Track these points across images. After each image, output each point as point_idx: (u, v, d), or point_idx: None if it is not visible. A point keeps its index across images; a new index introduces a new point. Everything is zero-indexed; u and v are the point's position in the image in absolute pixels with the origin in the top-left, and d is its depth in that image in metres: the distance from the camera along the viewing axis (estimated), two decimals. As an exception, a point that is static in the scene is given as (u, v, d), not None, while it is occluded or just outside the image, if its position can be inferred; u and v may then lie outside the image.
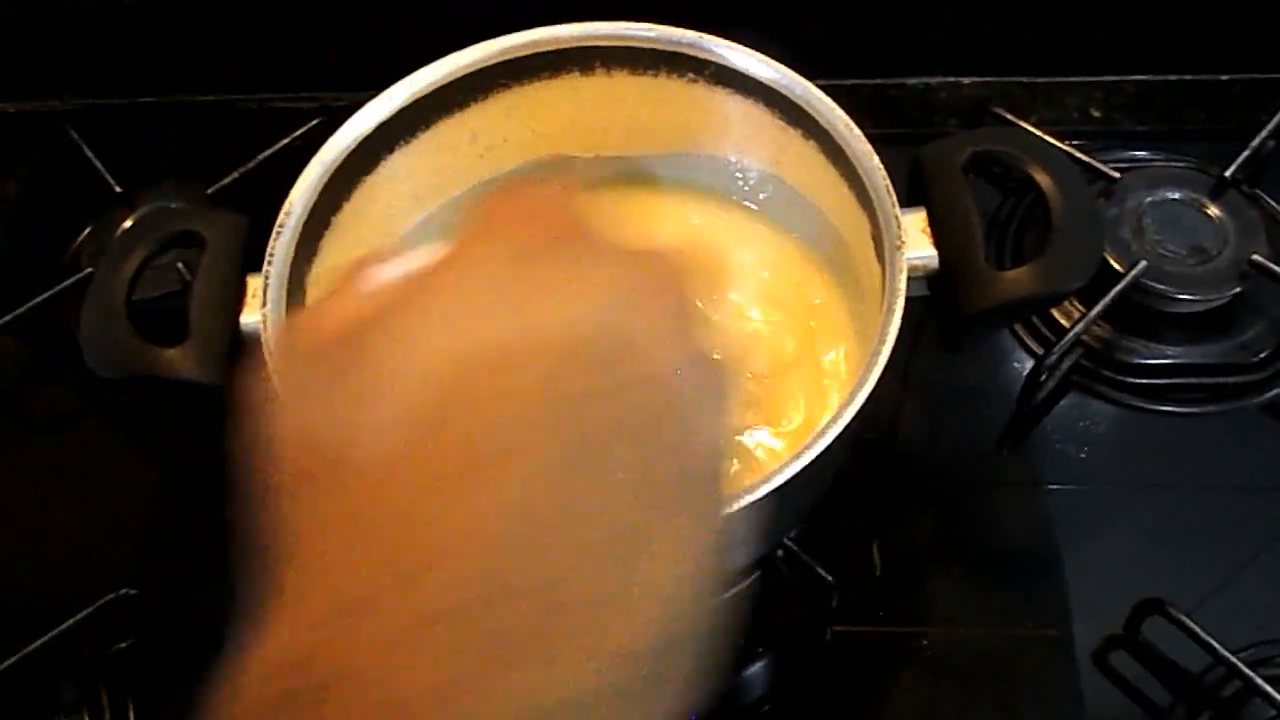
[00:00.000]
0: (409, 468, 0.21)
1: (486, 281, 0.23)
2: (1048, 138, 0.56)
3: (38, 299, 0.62)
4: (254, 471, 0.23)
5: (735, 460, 0.30)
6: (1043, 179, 0.44)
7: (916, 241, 0.45)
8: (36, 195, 0.72)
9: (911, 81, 0.70)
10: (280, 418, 0.23)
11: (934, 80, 0.70)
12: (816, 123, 0.48)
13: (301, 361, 0.24)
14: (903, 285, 0.42)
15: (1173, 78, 0.68)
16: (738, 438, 0.45)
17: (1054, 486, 0.56)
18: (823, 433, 0.39)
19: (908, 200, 0.46)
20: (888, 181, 0.45)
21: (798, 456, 0.38)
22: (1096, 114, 0.68)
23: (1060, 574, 0.53)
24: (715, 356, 0.25)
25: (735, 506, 0.37)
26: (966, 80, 0.69)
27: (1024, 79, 0.69)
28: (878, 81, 0.70)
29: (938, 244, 0.45)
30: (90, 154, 0.67)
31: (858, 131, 0.47)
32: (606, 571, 0.20)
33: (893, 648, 0.52)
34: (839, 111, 0.47)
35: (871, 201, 0.45)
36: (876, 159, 0.46)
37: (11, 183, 0.72)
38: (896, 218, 0.44)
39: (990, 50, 0.69)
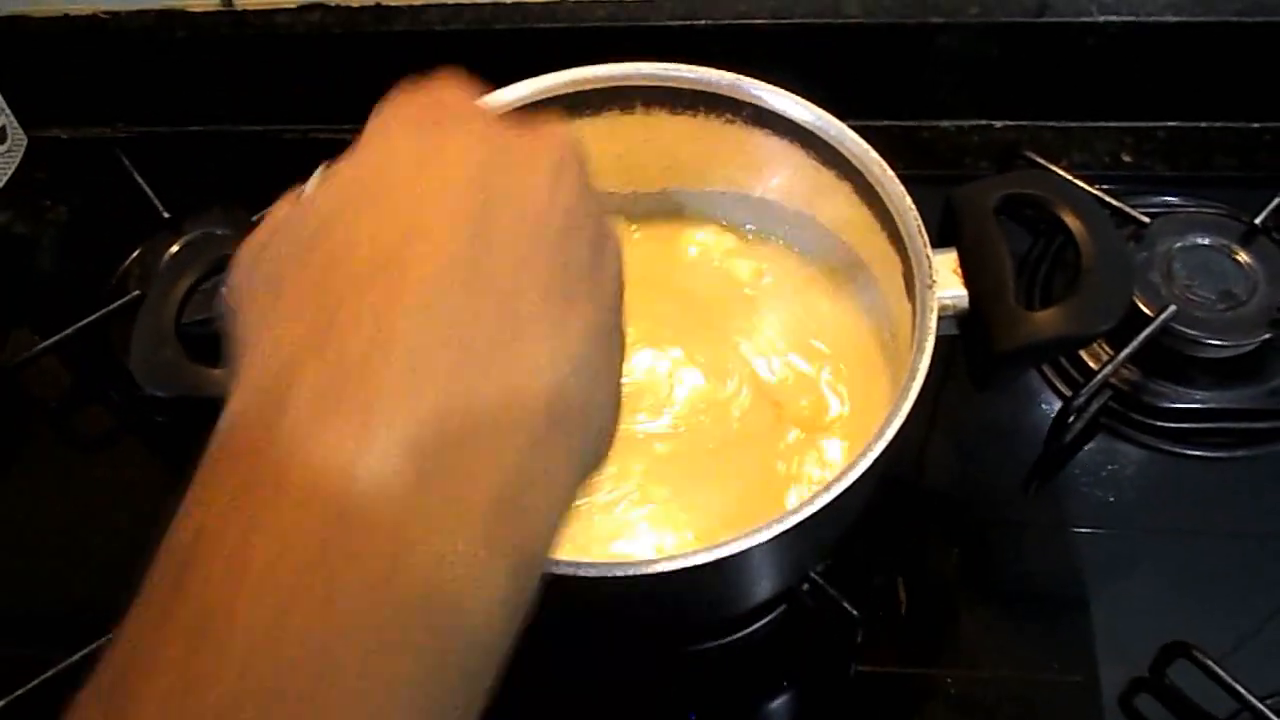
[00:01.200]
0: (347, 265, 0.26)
1: (390, 151, 0.28)
2: (1078, 182, 0.57)
3: (87, 319, 0.63)
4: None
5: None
6: (1073, 222, 0.45)
7: (948, 281, 0.46)
8: (86, 219, 0.74)
9: (945, 124, 0.71)
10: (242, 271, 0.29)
11: (967, 123, 0.71)
12: (851, 164, 0.49)
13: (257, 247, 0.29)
14: (933, 324, 0.43)
15: (1203, 125, 0.69)
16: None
17: (1081, 530, 0.56)
18: (851, 467, 0.40)
19: (939, 241, 0.47)
20: (920, 222, 0.46)
21: (825, 490, 0.39)
22: (1127, 159, 0.69)
23: (1087, 619, 0.53)
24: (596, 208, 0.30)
25: (769, 535, 0.38)
26: (999, 124, 0.71)
27: (1056, 123, 0.70)
28: (911, 123, 0.71)
29: (968, 284, 0.45)
30: (140, 180, 0.69)
31: (891, 173, 0.48)
32: (505, 327, 0.25)
33: (916, 688, 0.52)
34: (873, 154, 0.49)
35: (904, 241, 0.46)
36: (909, 200, 0.47)
37: (62, 207, 0.75)
38: (928, 257, 0.45)
39: (1023, 94, 0.70)
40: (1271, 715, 0.46)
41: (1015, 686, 0.52)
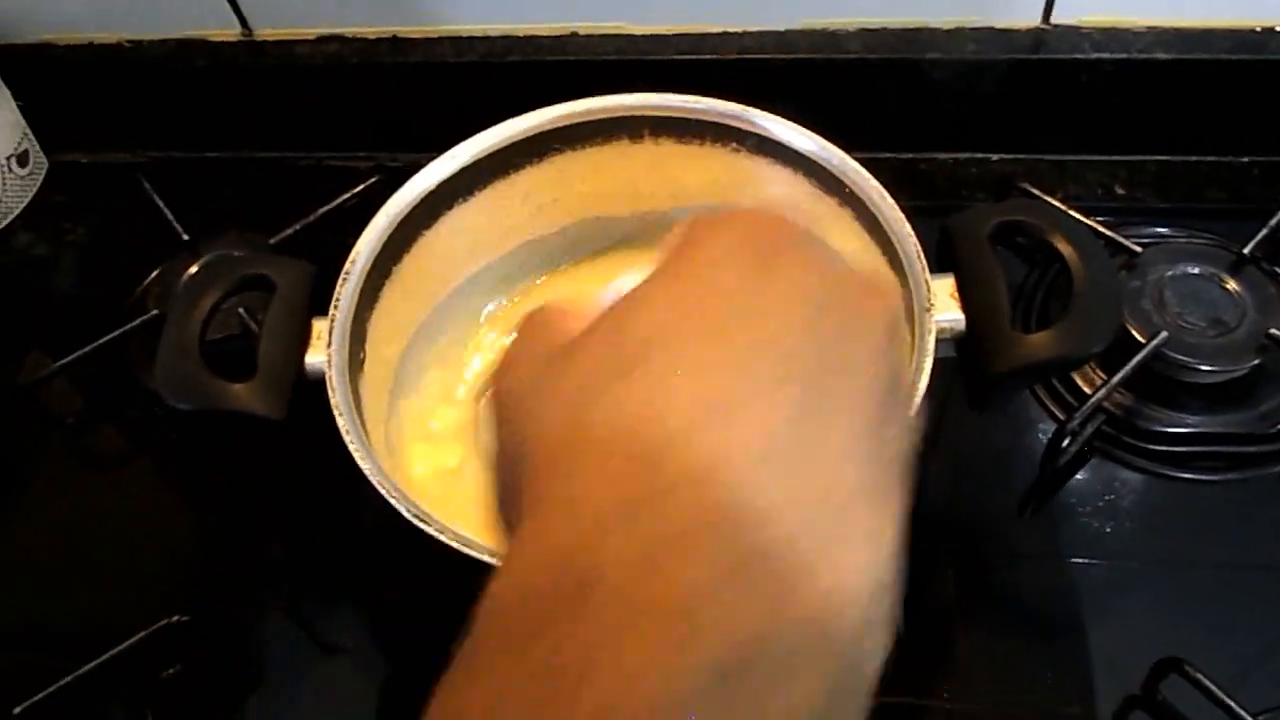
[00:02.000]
0: (655, 405, 0.23)
1: (715, 278, 0.25)
2: (1072, 212, 0.59)
3: (106, 337, 0.65)
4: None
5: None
6: (1065, 248, 0.47)
7: (945, 305, 0.47)
8: (105, 241, 0.75)
9: (942, 157, 0.73)
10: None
11: (963, 156, 0.73)
12: (852, 192, 0.51)
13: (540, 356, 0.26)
14: (931, 345, 0.45)
15: (1194, 159, 0.71)
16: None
17: (1076, 554, 0.57)
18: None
19: (937, 267, 0.48)
20: (919, 248, 0.48)
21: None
22: (1120, 191, 0.70)
23: (1082, 643, 0.54)
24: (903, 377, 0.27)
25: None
26: (994, 157, 0.72)
27: (1050, 156, 0.72)
28: (908, 156, 0.73)
29: (965, 308, 0.47)
30: (160, 202, 0.71)
31: (891, 201, 0.49)
32: (832, 516, 0.22)
33: (908, 717, 0.53)
34: (873, 181, 0.51)
35: (903, 266, 0.48)
36: (908, 226, 0.48)
37: (81, 229, 0.76)
38: (927, 282, 0.47)
39: (1018, 129, 0.72)
40: (1261, 730, 0.47)
41: (1011, 714, 0.52)
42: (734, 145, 0.54)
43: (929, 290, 0.46)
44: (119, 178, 0.76)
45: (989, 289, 0.47)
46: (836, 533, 0.22)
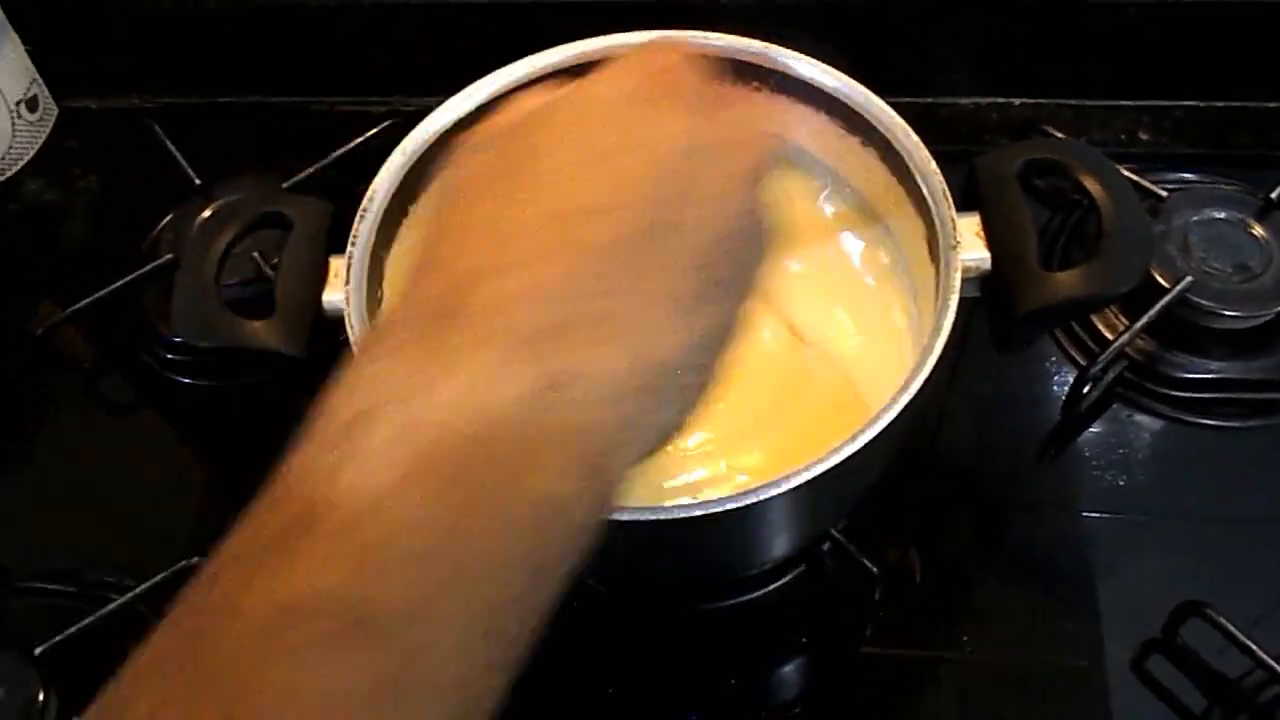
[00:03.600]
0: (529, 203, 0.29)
1: (606, 111, 0.31)
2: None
3: (120, 282, 0.64)
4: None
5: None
6: (1094, 186, 0.46)
7: (971, 244, 0.47)
8: (117, 188, 0.75)
9: (964, 101, 0.72)
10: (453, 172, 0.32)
11: (984, 100, 0.72)
12: (876, 130, 0.50)
13: (471, 147, 0.33)
14: (957, 282, 0.44)
15: (1219, 104, 0.70)
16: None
17: (1096, 499, 0.57)
18: (878, 417, 0.41)
19: (963, 206, 0.48)
20: (944, 185, 0.47)
21: (856, 436, 0.40)
22: (1144, 137, 0.70)
23: (1101, 588, 0.53)
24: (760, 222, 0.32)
25: (798, 481, 0.39)
26: (1017, 101, 0.71)
27: (1073, 101, 0.71)
28: (930, 100, 0.72)
29: (991, 247, 0.46)
30: (172, 147, 0.70)
31: (916, 138, 0.49)
32: (662, 306, 0.29)
33: (924, 668, 0.53)
34: (898, 119, 0.50)
35: (928, 205, 0.47)
36: (934, 164, 0.48)
37: (93, 176, 0.76)
38: (952, 219, 0.46)
39: (1041, 73, 0.71)
40: (1284, 671, 0.47)
41: (1027, 663, 0.52)
42: (755, 84, 0.53)
43: (954, 228, 0.46)
44: (130, 123, 0.75)
45: (1016, 227, 0.46)
46: (645, 315, 0.28)
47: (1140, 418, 0.59)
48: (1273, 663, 0.48)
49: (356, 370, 0.27)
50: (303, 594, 0.23)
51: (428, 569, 0.24)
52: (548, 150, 0.30)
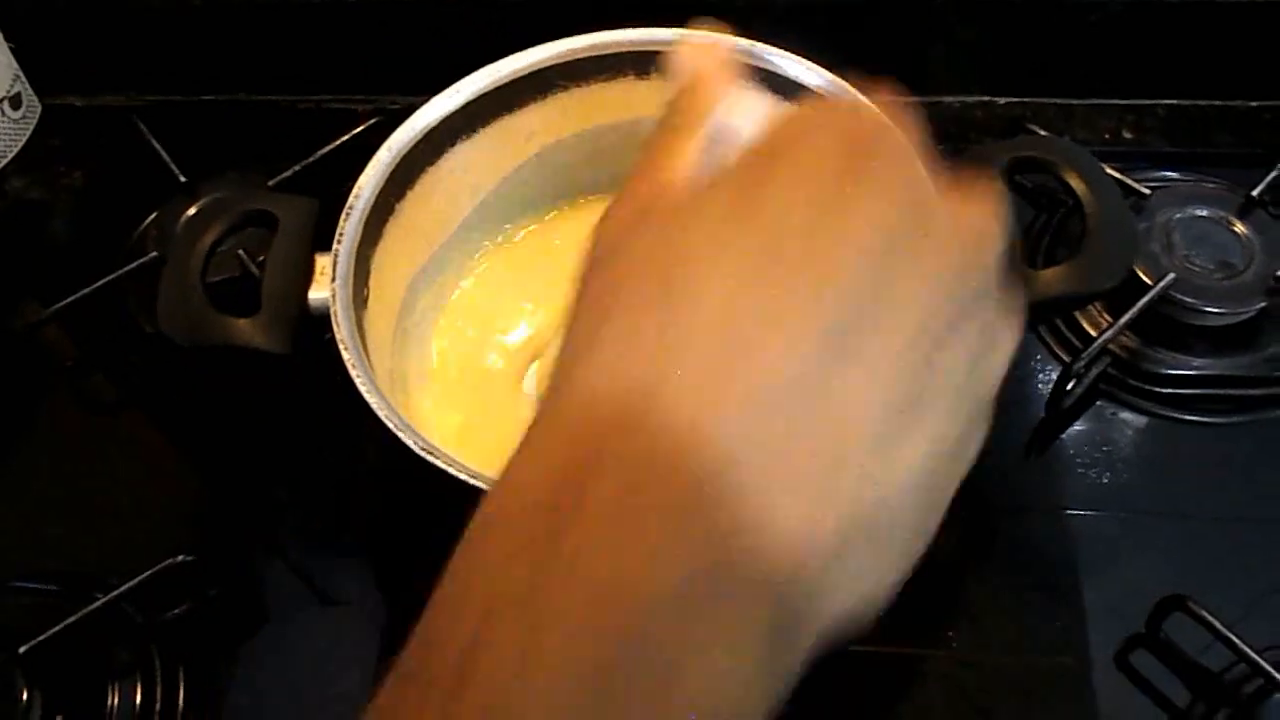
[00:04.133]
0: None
1: (812, 183, 0.25)
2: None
3: (104, 280, 0.64)
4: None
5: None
6: (1078, 184, 0.47)
7: (956, 241, 0.47)
8: (102, 185, 0.74)
9: (948, 100, 0.72)
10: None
11: (969, 99, 0.72)
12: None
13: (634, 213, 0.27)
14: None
15: (1202, 103, 0.70)
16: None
17: (1080, 504, 0.57)
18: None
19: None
20: (930, 183, 0.47)
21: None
22: (1128, 135, 0.70)
23: (1089, 596, 0.53)
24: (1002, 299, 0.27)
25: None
26: (1002, 100, 0.72)
27: (1057, 100, 0.71)
28: (914, 99, 0.72)
29: (976, 244, 0.47)
30: (157, 145, 0.70)
31: (902, 136, 0.49)
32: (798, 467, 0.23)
33: (910, 665, 0.53)
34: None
35: (913, 202, 0.48)
36: (919, 162, 0.48)
37: (77, 173, 0.75)
38: (938, 217, 0.46)
39: (1025, 71, 0.71)
40: (1267, 666, 0.47)
41: (1013, 660, 0.53)
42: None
43: (940, 226, 0.46)
44: (114, 121, 0.75)
45: (1001, 225, 0.46)
46: (841, 451, 0.23)
47: (1124, 414, 0.59)
48: (1255, 656, 0.48)
49: (465, 561, 0.23)
50: None
51: None
52: (713, 254, 0.24)
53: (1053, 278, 0.45)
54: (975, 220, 0.26)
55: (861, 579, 0.24)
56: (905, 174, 0.25)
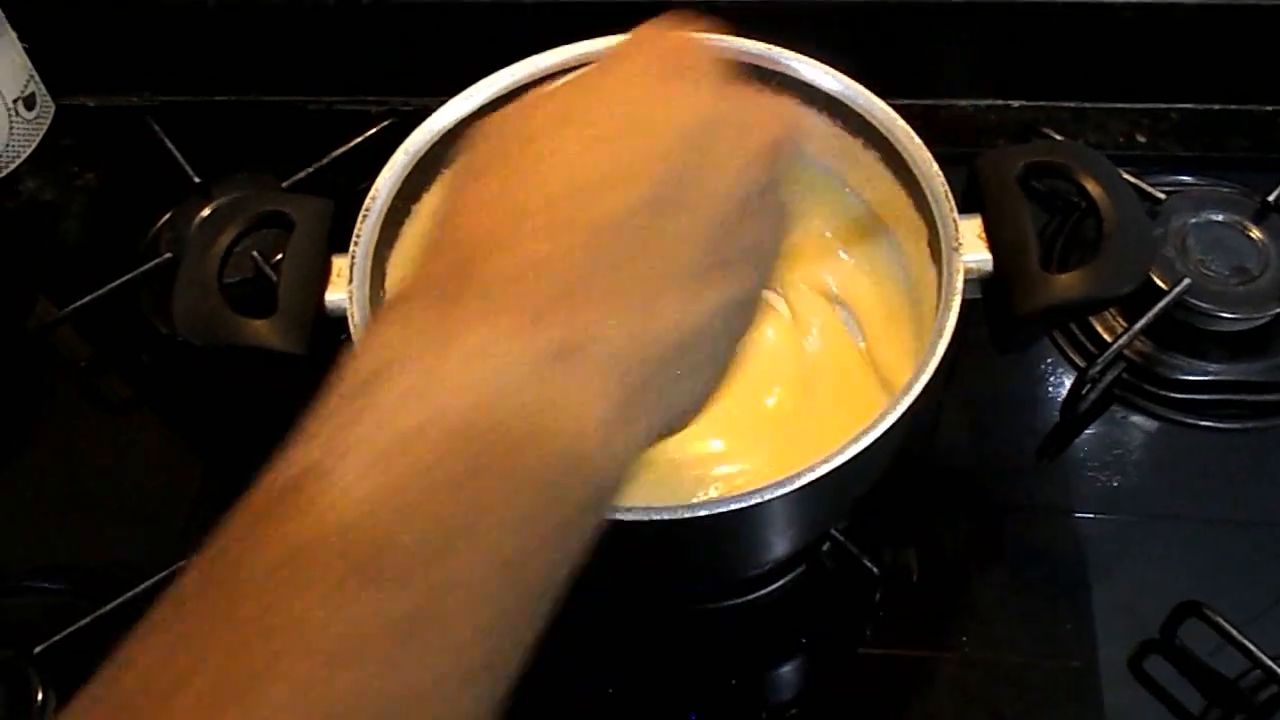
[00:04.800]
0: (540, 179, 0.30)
1: (615, 90, 0.31)
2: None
3: (119, 281, 0.64)
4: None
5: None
6: (1094, 189, 0.46)
7: (972, 245, 0.47)
8: (115, 186, 0.75)
9: (962, 104, 0.72)
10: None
11: (983, 103, 0.72)
12: (877, 131, 0.50)
13: (482, 132, 0.32)
14: (959, 284, 0.44)
15: (1216, 107, 0.70)
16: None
17: (1093, 508, 0.57)
18: (881, 418, 0.41)
19: (964, 208, 0.48)
20: (946, 187, 0.47)
21: (859, 438, 0.40)
22: (1141, 139, 0.70)
23: (1101, 599, 0.53)
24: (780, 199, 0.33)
25: (801, 482, 0.39)
26: (1015, 104, 0.72)
27: (1071, 104, 0.71)
28: (929, 102, 0.72)
29: (993, 249, 0.46)
30: (170, 145, 0.70)
31: (918, 140, 0.49)
32: (668, 281, 0.29)
33: (922, 668, 0.53)
34: (900, 122, 0.50)
35: (930, 207, 0.47)
36: (936, 166, 0.48)
37: (90, 174, 0.75)
38: (955, 221, 0.46)
39: (1039, 76, 0.71)
40: (1281, 672, 0.47)
41: (1026, 663, 0.52)
42: (757, 86, 0.53)
43: (957, 230, 0.46)
44: (128, 121, 0.75)
45: (1017, 229, 0.46)
46: (655, 288, 0.29)
47: (1138, 419, 0.59)
48: (1270, 662, 0.48)
49: (368, 338, 0.28)
50: (316, 535, 0.23)
51: (443, 515, 0.24)
52: (555, 130, 0.30)
53: (1070, 283, 0.45)
54: (770, 120, 0.32)
55: (676, 391, 0.30)
56: (713, 80, 0.32)
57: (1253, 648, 0.48)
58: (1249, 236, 0.61)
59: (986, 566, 0.57)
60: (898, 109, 0.51)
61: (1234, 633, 0.49)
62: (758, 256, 0.32)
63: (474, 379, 0.26)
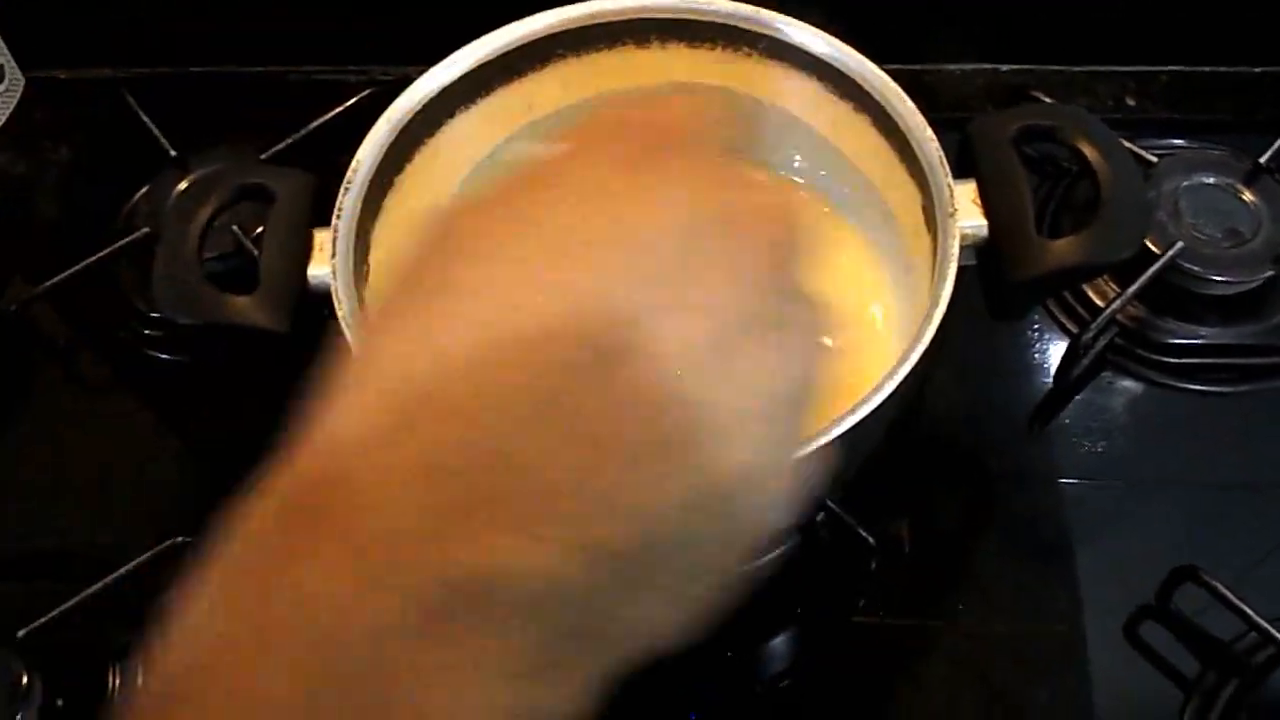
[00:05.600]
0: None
1: (581, 192, 0.24)
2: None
3: (95, 256, 0.63)
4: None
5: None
6: (1090, 152, 0.45)
7: (967, 211, 0.46)
8: (89, 159, 0.73)
9: (950, 68, 0.71)
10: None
11: (969, 67, 0.71)
12: (869, 96, 0.49)
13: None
14: (955, 251, 0.44)
15: (1206, 69, 0.69)
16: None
17: (1086, 475, 0.56)
18: (878, 389, 0.40)
19: (957, 172, 0.47)
20: (940, 152, 0.46)
21: (855, 409, 0.39)
22: (1131, 102, 0.69)
23: (1095, 566, 0.53)
24: (809, 298, 0.25)
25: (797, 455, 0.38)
26: (1004, 67, 0.71)
27: (1060, 67, 0.70)
28: (916, 67, 0.71)
29: (988, 214, 0.46)
30: (145, 118, 0.68)
31: (911, 105, 0.48)
32: (610, 472, 0.21)
33: (917, 636, 0.53)
34: (893, 85, 0.49)
35: (923, 172, 0.46)
36: (929, 130, 0.47)
37: (64, 148, 0.74)
38: (949, 186, 0.45)
39: (1028, 38, 0.70)
40: (1277, 633, 0.47)
41: (1021, 631, 0.52)
42: (745, 49, 0.52)
43: (951, 195, 0.45)
44: (101, 94, 0.73)
45: (1012, 194, 0.45)
46: (611, 488, 0.21)
47: (1128, 384, 0.58)
48: (1266, 625, 0.48)
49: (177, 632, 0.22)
50: None
51: None
52: (493, 251, 0.23)
53: (1067, 248, 0.44)
54: (777, 226, 0.24)
55: (643, 606, 0.22)
56: (706, 166, 0.24)
57: (1248, 610, 0.48)
58: (1241, 199, 0.60)
59: (979, 535, 0.56)
60: (887, 74, 0.50)
61: (1229, 596, 0.49)
62: (774, 405, 0.23)
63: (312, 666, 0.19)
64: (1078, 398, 0.58)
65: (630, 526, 0.21)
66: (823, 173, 0.54)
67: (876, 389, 0.40)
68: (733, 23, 0.51)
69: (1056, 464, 0.57)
